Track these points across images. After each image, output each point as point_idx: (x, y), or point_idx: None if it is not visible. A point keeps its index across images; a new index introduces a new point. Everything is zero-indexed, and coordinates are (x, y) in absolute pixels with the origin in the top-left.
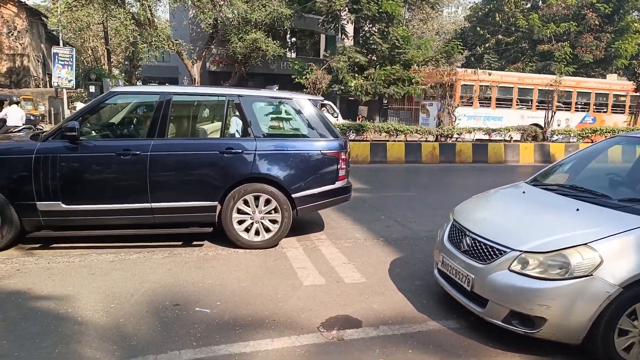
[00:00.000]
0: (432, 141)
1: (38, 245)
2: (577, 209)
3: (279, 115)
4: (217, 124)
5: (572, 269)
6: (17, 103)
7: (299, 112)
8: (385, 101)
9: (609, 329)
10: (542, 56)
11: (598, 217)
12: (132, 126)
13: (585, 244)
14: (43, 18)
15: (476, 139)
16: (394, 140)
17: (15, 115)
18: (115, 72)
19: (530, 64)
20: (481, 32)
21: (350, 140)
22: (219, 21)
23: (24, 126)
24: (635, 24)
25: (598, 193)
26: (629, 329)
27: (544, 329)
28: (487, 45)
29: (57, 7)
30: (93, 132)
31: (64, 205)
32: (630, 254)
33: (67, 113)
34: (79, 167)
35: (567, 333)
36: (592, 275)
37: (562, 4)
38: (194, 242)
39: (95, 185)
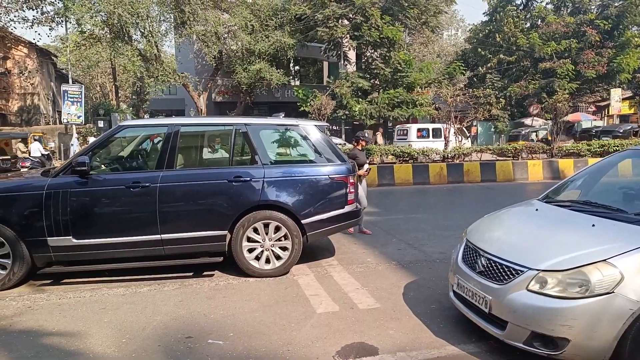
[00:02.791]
0: (440, 162)
1: (49, 281)
2: (593, 225)
3: (286, 142)
4: (225, 154)
5: (593, 287)
6: (38, 140)
7: (305, 138)
8: (389, 124)
9: (636, 348)
10: (545, 74)
11: (615, 232)
12: (141, 158)
13: (605, 260)
14: (52, 57)
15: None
16: (401, 162)
17: (35, 148)
18: (123, 106)
19: (533, 81)
20: (482, 52)
21: None
22: (223, 53)
23: (31, 163)
24: (636, 39)
25: (613, 208)
26: None
27: (567, 350)
28: (489, 65)
29: (66, 47)
30: (103, 165)
31: (74, 240)
32: None
33: (77, 149)
34: (90, 201)
35: (591, 354)
36: (613, 292)
37: (561, 22)
38: (205, 273)
39: (106, 219)
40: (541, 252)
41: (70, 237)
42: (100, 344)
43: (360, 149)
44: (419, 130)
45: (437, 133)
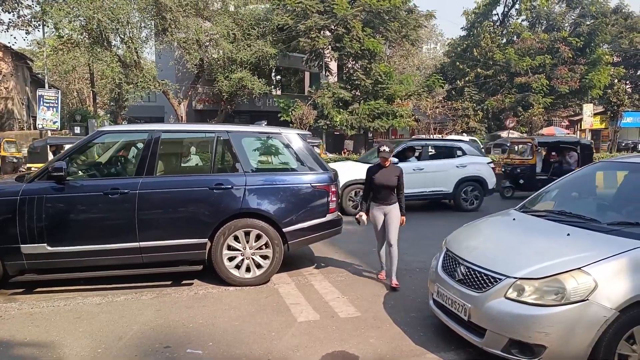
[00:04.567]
0: None
1: (21, 290)
2: (568, 234)
3: (268, 150)
4: (206, 161)
5: (568, 294)
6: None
7: (287, 146)
8: (370, 135)
9: (609, 354)
10: (520, 88)
11: (589, 241)
12: (120, 165)
13: (579, 268)
14: (28, 62)
15: None
16: None
17: None
18: (101, 113)
19: (509, 95)
20: (460, 66)
21: None
22: (204, 61)
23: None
24: (607, 56)
25: (587, 218)
26: (629, 353)
27: (544, 357)
28: (467, 78)
29: (43, 51)
30: (80, 171)
31: (49, 248)
32: (624, 276)
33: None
34: (66, 207)
35: None
36: (588, 299)
37: (536, 38)
38: (184, 281)
39: (83, 226)
40: (518, 261)
41: (45, 244)
42: (74, 354)
43: (386, 164)
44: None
45: None
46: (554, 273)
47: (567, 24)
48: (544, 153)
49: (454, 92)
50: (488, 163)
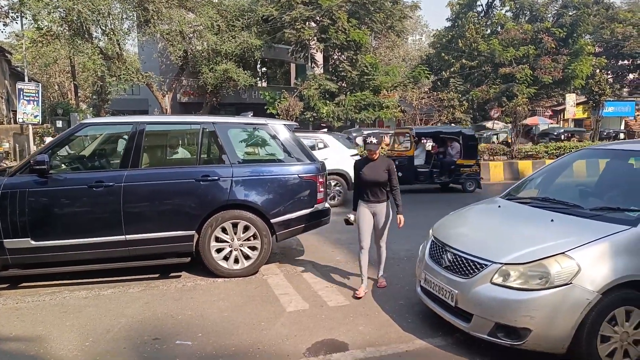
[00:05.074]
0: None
1: (5, 285)
2: (552, 220)
3: (254, 141)
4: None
5: (552, 278)
6: None
7: (274, 137)
8: (357, 126)
9: (592, 336)
10: (505, 78)
11: (572, 226)
12: (105, 157)
13: (563, 252)
14: (7, 55)
15: None
16: None
17: None
18: (83, 106)
19: (494, 86)
20: (446, 57)
21: None
22: (188, 53)
23: None
24: (589, 47)
25: (570, 204)
26: (611, 334)
27: (529, 340)
28: (452, 69)
29: (22, 44)
30: (64, 164)
31: (33, 242)
32: (606, 260)
33: (34, 149)
34: (49, 201)
35: (552, 343)
36: (571, 283)
37: (520, 29)
38: (172, 274)
39: (67, 220)
40: (504, 247)
41: (29, 238)
42: (61, 347)
43: (374, 157)
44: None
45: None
46: (538, 258)
47: (550, 15)
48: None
49: (439, 83)
50: (352, 156)
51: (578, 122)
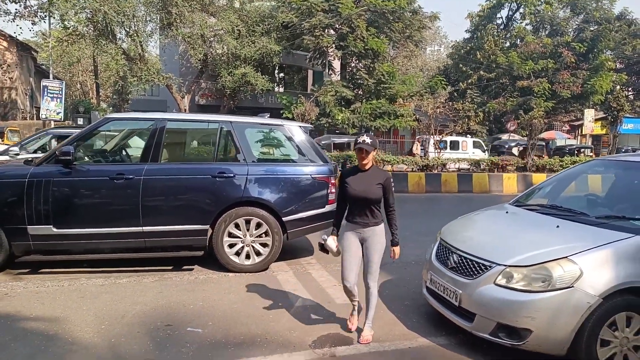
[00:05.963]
0: (418, 171)
1: (26, 270)
2: (558, 226)
3: (270, 142)
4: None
5: (554, 281)
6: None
7: (289, 138)
8: (371, 134)
9: (592, 339)
10: (522, 91)
11: (577, 232)
12: (126, 151)
13: (566, 257)
14: (33, 52)
15: (460, 168)
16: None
17: None
18: (104, 105)
19: (511, 98)
20: (463, 68)
21: None
22: (208, 56)
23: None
24: (609, 62)
25: (577, 211)
26: (611, 339)
27: (530, 341)
28: (469, 81)
29: (48, 43)
30: (87, 157)
31: (55, 230)
32: (608, 266)
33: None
34: (72, 191)
35: (552, 344)
36: (573, 286)
37: (539, 42)
38: (185, 267)
39: (88, 209)
40: (509, 250)
41: (51, 226)
42: (79, 329)
43: (365, 164)
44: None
45: (455, 145)
46: (541, 261)
47: (570, 29)
48: None
49: (456, 94)
50: None
51: (596, 138)
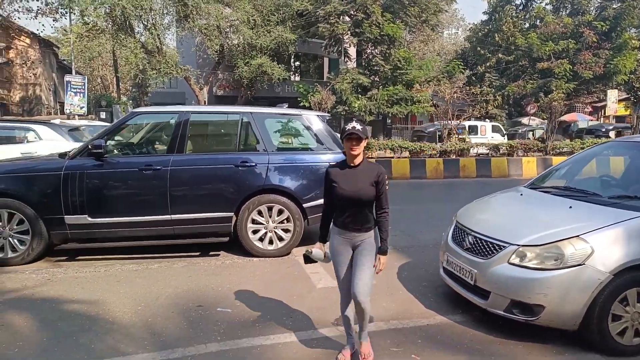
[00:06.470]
0: (437, 157)
1: (64, 257)
2: (570, 207)
3: (289, 131)
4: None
5: (566, 259)
6: None
7: (308, 127)
8: (389, 120)
9: (603, 314)
10: (543, 74)
11: (589, 212)
12: (153, 143)
13: (577, 236)
14: (54, 48)
15: (479, 153)
16: (399, 157)
17: None
18: (124, 98)
19: (530, 81)
20: (481, 51)
21: None
22: (225, 47)
23: None
24: (633, 41)
25: (589, 192)
26: (622, 314)
27: (542, 316)
28: (487, 64)
29: (69, 38)
30: (116, 149)
31: (89, 219)
32: (619, 243)
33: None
34: (104, 182)
35: (564, 319)
36: (584, 264)
37: (560, 22)
38: (211, 252)
39: (119, 199)
40: (522, 230)
41: (86, 215)
42: (117, 310)
43: (356, 155)
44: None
45: (473, 129)
46: (554, 240)
47: (592, 8)
48: None
49: (474, 78)
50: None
51: (619, 119)
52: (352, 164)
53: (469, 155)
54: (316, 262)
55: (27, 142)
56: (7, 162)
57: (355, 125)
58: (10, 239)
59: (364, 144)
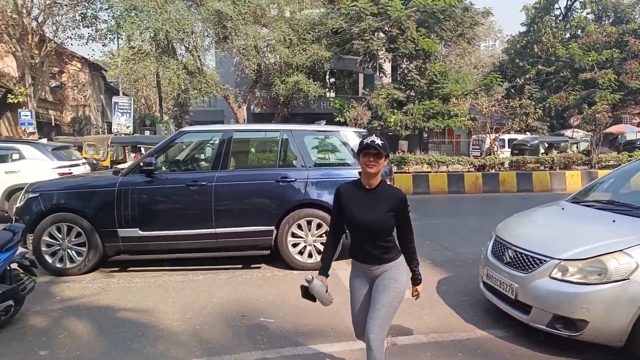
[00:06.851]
0: (475, 171)
1: (117, 268)
2: (614, 221)
3: (327, 147)
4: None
5: (610, 274)
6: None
7: (345, 143)
8: (425, 135)
9: None
10: (586, 84)
11: (634, 226)
12: (199, 160)
13: (621, 250)
14: (102, 71)
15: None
16: (436, 172)
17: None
18: (166, 117)
19: (573, 92)
20: (520, 63)
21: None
22: (262, 66)
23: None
24: None
25: (634, 206)
26: None
27: (586, 332)
28: (527, 76)
29: (116, 62)
30: (165, 166)
31: (140, 232)
32: None
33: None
34: (154, 197)
35: (609, 335)
36: (629, 279)
37: (602, 32)
38: (253, 265)
39: (168, 213)
40: (563, 244)
41: (137, 229)
42: (167, 318)
43: (374, 174)
44: (494, 140)
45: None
46: (597, 254)
47: (637, 15)
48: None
49: (513, 91)
50: (57, 169)
51: None
52: (367, 186)
53: (507, 169)
54: (315, 301)
55: (12, 160)
56: (64, 179)
57: (375, 139)
58: (68, 250)
59: (383, 162)
